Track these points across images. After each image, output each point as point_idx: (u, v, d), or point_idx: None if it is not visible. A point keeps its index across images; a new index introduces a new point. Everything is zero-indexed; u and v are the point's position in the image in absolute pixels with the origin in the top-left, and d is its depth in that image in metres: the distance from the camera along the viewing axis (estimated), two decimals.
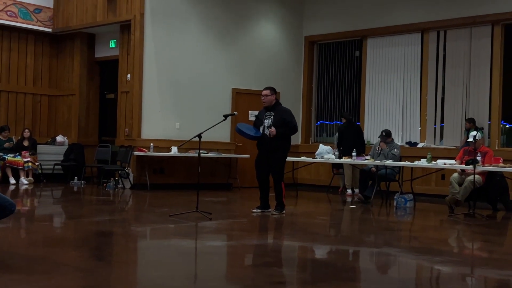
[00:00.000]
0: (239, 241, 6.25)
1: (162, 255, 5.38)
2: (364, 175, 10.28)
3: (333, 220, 8.56)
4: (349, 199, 10.77)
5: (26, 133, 12.11)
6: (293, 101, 13.17)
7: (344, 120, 11.98)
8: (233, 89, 12.49)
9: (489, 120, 11.16)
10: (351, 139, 11.40)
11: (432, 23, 11.79)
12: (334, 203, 10.51)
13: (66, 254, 5.21)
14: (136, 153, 11.17)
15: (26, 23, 12.72)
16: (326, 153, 11.04)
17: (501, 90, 11.10)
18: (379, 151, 10.38)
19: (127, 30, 11.75)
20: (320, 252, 6.00)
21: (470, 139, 8.78)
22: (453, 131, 11.61)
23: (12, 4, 12.48)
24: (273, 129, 7.95)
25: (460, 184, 8.92)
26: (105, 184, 11.31)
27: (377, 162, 10.02)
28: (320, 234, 7.08)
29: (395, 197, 9.90)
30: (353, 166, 11.06)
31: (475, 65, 11.38)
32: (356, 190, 10.99)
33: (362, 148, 11.40)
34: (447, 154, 10.82)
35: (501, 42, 11.09)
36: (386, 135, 10.40)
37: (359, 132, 11.81)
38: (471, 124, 10.89)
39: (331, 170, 12.23)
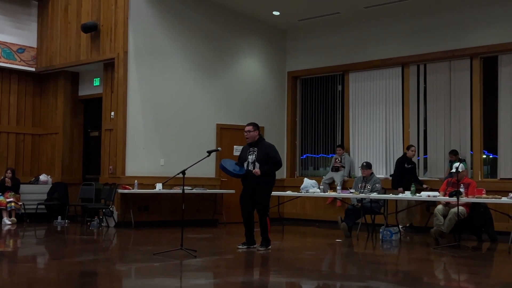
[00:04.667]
0: (224, 278, 6.19)
1: None
2: (350, 211, 10.35)
3: (320, 255, 8.52)
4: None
5: (9, 174, 11.98)
6: (278, 135, 13.24)
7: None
8: (217, 124, 12.53)
9: (471, 150, 11.27)
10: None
11: (412, 57, 11.98)
12: (320, 237, 10.48)
13: None
14: (120, 190, 11.10)
15: (10, 63, 12.74)
16: (311, 187, 11.07)
17: (481, 121, 11.24)
18: (363, 183, 10.43)
19: (110, 68, 11.80)
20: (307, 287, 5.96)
21: (453, 171, 8.85)
22: (436, 162, 11.69)
23: None
24: (257, 170, 7.97)
25: (444, 216, 8.96)
26: (89, 223, 11.21)
27: (362, 196, 10.06)
28: (306, 269, 7.03)
29: (381, 230, 9.91)
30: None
31: (455, 97, 11.54)
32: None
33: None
34: (431, 186, 10.88)
35: (480, 74, 11.28)
36: (366, 166, 10.47)
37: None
38: (454, 156, 10.98)
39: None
